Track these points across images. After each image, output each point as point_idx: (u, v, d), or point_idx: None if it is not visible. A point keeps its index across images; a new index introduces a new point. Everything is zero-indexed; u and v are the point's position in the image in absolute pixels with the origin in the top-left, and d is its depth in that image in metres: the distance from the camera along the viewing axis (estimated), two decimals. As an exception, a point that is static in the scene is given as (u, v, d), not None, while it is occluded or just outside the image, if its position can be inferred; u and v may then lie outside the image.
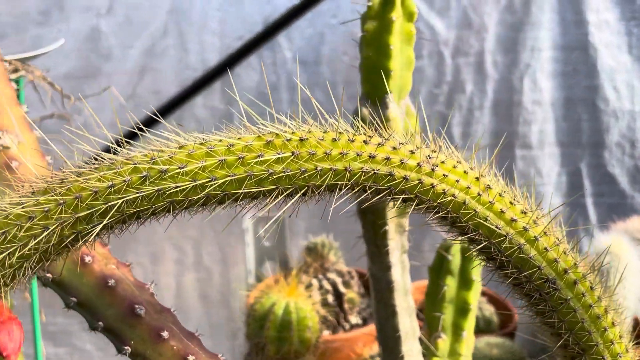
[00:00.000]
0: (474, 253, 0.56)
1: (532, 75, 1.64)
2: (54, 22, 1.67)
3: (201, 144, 0.51)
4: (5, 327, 0.49)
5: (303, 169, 0.49)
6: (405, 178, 0.51)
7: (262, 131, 0.51)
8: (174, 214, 0.52)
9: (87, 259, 0.65)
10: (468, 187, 0.52)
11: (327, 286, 1.20)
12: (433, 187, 0.51)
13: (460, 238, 0.54)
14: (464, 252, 0.86)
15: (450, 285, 0.86)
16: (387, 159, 0.50)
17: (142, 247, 1.91)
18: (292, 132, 0.51)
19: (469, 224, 0.52)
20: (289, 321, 0.96)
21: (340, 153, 0.50)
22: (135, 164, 0.50)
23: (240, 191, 0.50)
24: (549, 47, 1.62)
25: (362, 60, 0.71)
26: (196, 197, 0.50)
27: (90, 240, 0.51)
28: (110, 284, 0.64)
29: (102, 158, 0.51)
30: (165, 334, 0.63)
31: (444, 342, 0.87)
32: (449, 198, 0.52)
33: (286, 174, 0.49)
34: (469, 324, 0.88)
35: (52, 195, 0.49)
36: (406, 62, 0.71)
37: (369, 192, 0.51)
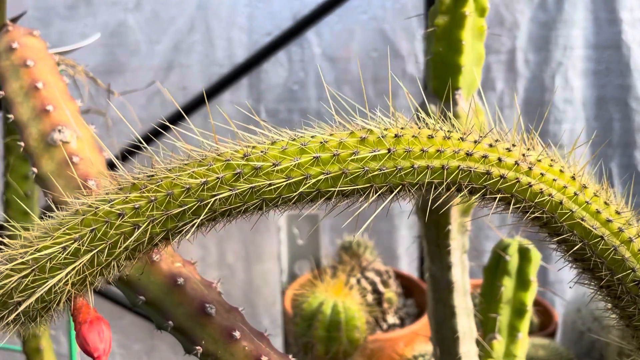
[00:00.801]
0: (563, 253, 0.54)
1: (564, 73, 1.63)
2: (80, 17, 1.65)
3: (293, 140, 0.49)
4: (94, 327, 0.47)
5: (399, 167, 0.48)
6: (502, 177, 0.49)
7: (355, 127, 0.50)
8: (264, 212, 0.51)
9: (155, 257, 0.64)
10: (565, 187, 0.51)
11: (366, 285, 1.19)
12: (530, 186, 0.50)
13: (553, 240, 0.53)
14: (521, 252, 0.85)
15: (507, 285, 0.84)
16: (485, 156, 0.49)
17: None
18: (386, 129, 0.49)
19: (564, 224, 0.51)
20: (337, 321, 0.95)
21: (437, 150, 0.49)
22: (227, 160, 0.49)
23: (335, 189, 0.48)
24: (581, 46, 1.61)
25: (430, 56, 0.70)
26: (289, 195, 0.48)
27: (178, 238, 0.50)
28: (179, 283, 0.63)
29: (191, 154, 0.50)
30: (237, 333, 0.61)
31: (499, 343, 0.86)
32: (546, 198, 0.50)
33: (382, 171, 0.48)
34: (525, 326, 0.86)
35: (143, 192, 0.48)
36: (476, 58, 0.70)
37: (465, 190, 0.50)
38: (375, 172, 0.48)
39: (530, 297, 0.85)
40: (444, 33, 0.68)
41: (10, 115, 0.76)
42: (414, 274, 1.67)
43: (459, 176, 0.49)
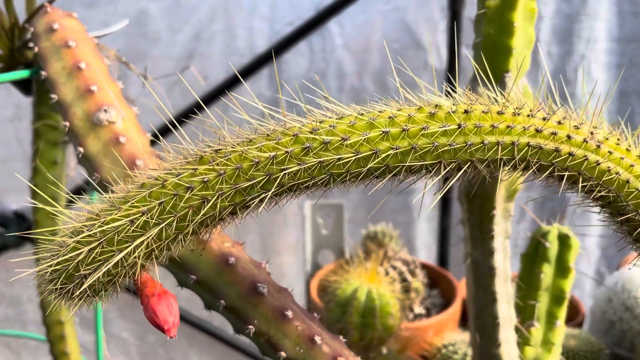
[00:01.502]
0: (626, 235, 0.54)
1: (587, 66, 1.62)
2: (102, 4, 1.65)
3: (361, 115, 0.49)
4: (163, 300, 0.47)
5: (469, 143, 0.48)
6: (571, 154, 0.49)
7: (424, 102, 0.49)
8: (330, 188, 0.50)
9: (206, 236, 0.63)
10: (632, 165, 0.50)
11: (394, 275, 1.18)
12: (598, 164, 0.50)
13: (617, 219, 0.52)
14: (561, 239, 0.84)
15: (547, 272, 0.84)
16: (554, 133, 0.49)
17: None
18: (455, 104, 0.49)
19: (629, 203, 0.51)
20: (372, 307, 0.94)
21: (508, 126, 0.48)
22: (295, 134, 0.48)
23: (403, 165, 0.48)
24: (605, 39, 1.60)
25: (481, 38, 0.69)
26: (358, 171, 0.48)
27: (245, 214, 0.50)
28: (230, 262, 0.63)
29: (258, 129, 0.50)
30: (289, 313, 0.61)
31: (537, 330, 0.86)
32: (613, 176, 0.50)
33: (452, 147, 0.48)
34: (563, 313, 0.86)
35: (211, 166, 0.48)
36: (527, 40, 0.69)
37: (533, 168, 0.49)
38: (445, 148, 0.48)
39: (569, 284, 0.85)
40: (495, 15, 0.68)
41: (54, 96, 0.75)
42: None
43: (529, 153, 0.49)
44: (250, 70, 1.69)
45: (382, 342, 0.98)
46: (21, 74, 0.83)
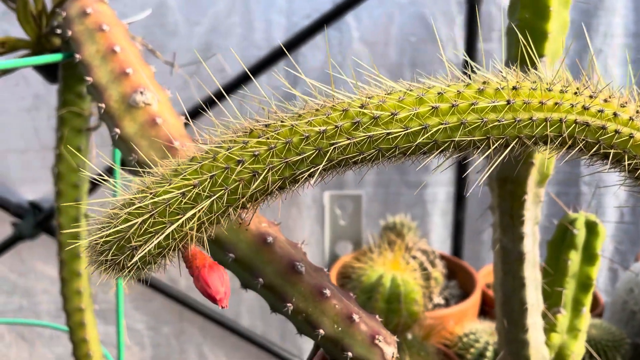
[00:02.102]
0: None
1: (603, 61, 1.62)
2: (121, -4, 1.65)
3: (410, 90, 0.50)
4: (215, 271, 0.47)
5: (518, 119, 0.48)
6: (617, 132, 0.49)
7: (473, 79, 0.50)
8: (375, 164, 0.51)
9: (252, 212, 0.64)
10: (676, 144, 0.51)
11: (414, 264, 1.19)
12: (644, 142, 0.50)
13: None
14: (588, 226, 0.85)
15: (574, 259, 0.84)
16: (601, 111, 0.49)
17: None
18: (504, 80, 0.49)
19: (673, 182, 0.51)
20: (397, 293, 0.95)
21: (556, 103, 0.49)
22: (345, 110, 0.49)
23: (452, 140, 0.49)
24: (621, 34, 1.60)
25: (516, 22, 0.70)
26: (406, 145, 0.49)
27: (292, 189, 0.51)
28: (269, 241, 0.63)
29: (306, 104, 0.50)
30: (327, 291, 0.62)
31: (563, 317, 0.86)
32: (659, 154, 0.50)
33: (500, 123, 0.48)
34: (589, 300, 0.86)
35: (262, 139, 0.48)
36: (561, 25, 0.70)
37: (580, 145, 0.50)
38: (494, 124, 0.48)
39: (595, 271, 0.85)
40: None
41: (89, 78, 0.76)
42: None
43: (576, 130, 0.49)
44: (267, 62, 1.70)
45: (407, 328, 0.98)
46: (54, 57, 0.84)
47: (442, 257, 1.35)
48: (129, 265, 0.49)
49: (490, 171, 0.65)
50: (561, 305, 0.85)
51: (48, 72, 1.11)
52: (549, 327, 0.85)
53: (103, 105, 0.73)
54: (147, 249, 0.48)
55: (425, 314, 1.03)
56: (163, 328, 2.00)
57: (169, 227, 0.47)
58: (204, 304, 1.94)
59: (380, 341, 0.60)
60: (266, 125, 0.49)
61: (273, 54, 1.69)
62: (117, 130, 0.71)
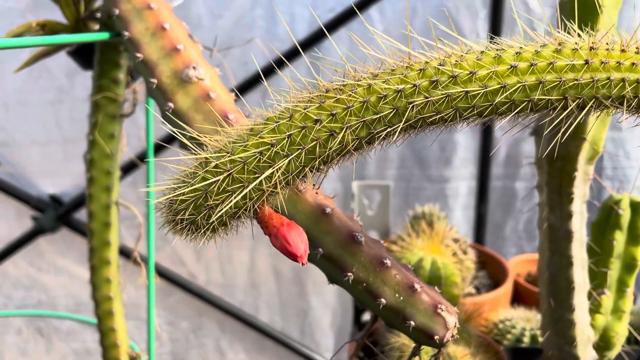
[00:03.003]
0: None
1: None
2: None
3: (487, 50, 0.50)
4: (294, 228, 0.47)
5: (596, 78, 0.48)
6: (693, 93, 0.49)
7: (549, 40, 0.50)
8: (450, 125, 0.51)
9: (301, 187, 0.64)
10: None
11: (447, 252, 1.19)
12: None
13: None
14: (633, 206, 0.84)
15: (619, 240, 0.84)
16: (678, 72, 0.49)
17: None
18: (580, 41, 0.49)
19: None
20: (438, 276, 0.95)
21: (633, 64, 0.49)
22: (422, 69, 0.49)
23: (530, 99, 0.48)
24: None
25: (569, -3, 0.70)
26: (484, 105, 0.49)
27: (368, 149, 0.50)
28: (327, 212, 0.63)
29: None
30: (387, 261, 0.61)
31: (608, 298, 0.86)
32: None
33: (578, 82, 0.48)
34: (632, 281, 0.86)
35: (340, 97, 0.48)
36: (615, 0, 0.70)
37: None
38: (572, 83, 0.48)
39: (641, 251, 0.85)
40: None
41: (139, 55, 0.76)
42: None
43: (652, 90, 0.49)
44: (290, 56, 1.70)
45: (447, 312, 0.97)
46: (101, 35, 0.84)
47: (472, 247, 1.35)
48: (205, 224, 0.48)
49: (541, 148, 0.65)
50: (606, 286, 0.85)
51: (83, 57, 1.11)
52: (594, 308, 0.85)
53: (155, 81, 0.73)
54: (225, 208, 0.47)
55: (465, 298, 1.02)
56: (181, 323, 2.00)
57: (247, 185, 0.47)
58: (222, 299, 1.93)
59: (442, 310, 0.60)
60: (343, 85, 0.49)
61: (296, 48, 1.69)
62: (171, 105, 0.71)
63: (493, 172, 1.78)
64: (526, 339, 1.06)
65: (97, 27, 1.02)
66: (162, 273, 1.90)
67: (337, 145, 0.48)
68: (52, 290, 1.98)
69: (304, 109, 0.49)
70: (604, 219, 0.86)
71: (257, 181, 0.47)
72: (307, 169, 0.49)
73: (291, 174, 0.49)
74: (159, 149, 1.56)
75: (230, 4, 1.69)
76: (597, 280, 0.86)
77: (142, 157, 1.53)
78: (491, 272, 1.35)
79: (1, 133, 1.75)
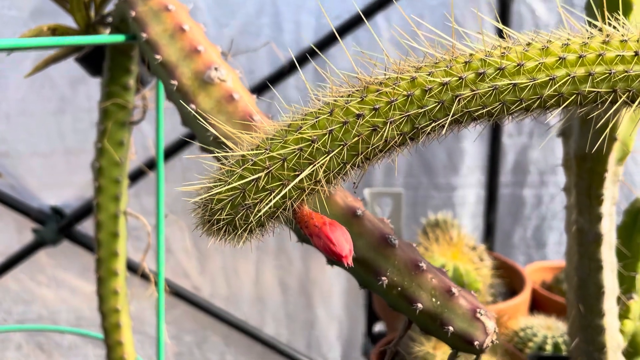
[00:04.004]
0: None
1: None
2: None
3: (531, 41, 0.48)
4: (337, 227, 0.45)
5: (648, 70, 0.47)
6: None
7: (599, 31, 0.48)
8: (498, 120, 0.49)
9: (332, 190, 0.62)
10: None
11: (467, 259, 1.17)
12: None
13: None
14: (660, 209, 0.83)
15: (647, 243, 0.83)
16: None
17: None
18: (628, 33, 0.48)
19: None
20: (461, 283, 0.93)
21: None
22: (467, 62, 0.47)
23: (579, 92, 0.47)
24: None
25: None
26: (532, 98, 0.47)
27: (411, 145, 0.49)
28: (358, 214, 0.61)
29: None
30: (423, 265, 0.59)
31: (636, 303, 0.84)
32: None
33: (628, 74, 0.47)
34: (661, 286, 0.84)
35: (383, 91, 0.46)
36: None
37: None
38: (622, 75, 0.47)
39: (669, 255, 0.83)
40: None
41: (158, 56, 0.74)
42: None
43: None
44: (297, 62, 1.69)
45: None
46: (116, 37, 0.82)
47: (489, 254, 1.33)
48: (243, 225, 0.46)
49: (569, 148, 0.63)
50: (634, 290, 0.83)
51: (91, 64, 1.09)
52: (622, 313, 0.83)
53: (175, 83, 0.71)
54: (265, 208, 0.45)
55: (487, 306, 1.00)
56: (185, 337, 1.96)
57: (288, 184, 0.45)
58: (227, 312, 1.90)
59: (482, 315, 0.58)
60: (386, 78, 0.48)
61: (302, 56, 1.68)
62: (193, 106, 0.69)
63: (501, 180, 1.77)
64: (548, 347, 1.03)
65: (107, 31, 1.00)
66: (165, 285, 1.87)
67: (380, 141, 0.46)
68: (53, 304, 1.94)
69: (345, 103, 0.47)
70: (631, 223, 0.84)
71: (298, 179, 0.45)
72: (348, 166, 0.47)
73: (332, 172, 0.47)
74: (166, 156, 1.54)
75: (236, 12, 1.68)
76: (626, 284, 0.84)
77: (149, 166, 1.50)
78: (506, 280, 1.33)
79: (2, 145, 1.72)
